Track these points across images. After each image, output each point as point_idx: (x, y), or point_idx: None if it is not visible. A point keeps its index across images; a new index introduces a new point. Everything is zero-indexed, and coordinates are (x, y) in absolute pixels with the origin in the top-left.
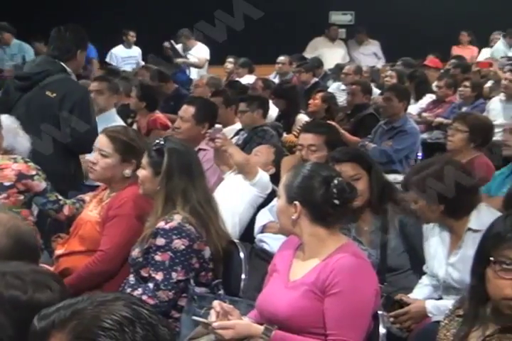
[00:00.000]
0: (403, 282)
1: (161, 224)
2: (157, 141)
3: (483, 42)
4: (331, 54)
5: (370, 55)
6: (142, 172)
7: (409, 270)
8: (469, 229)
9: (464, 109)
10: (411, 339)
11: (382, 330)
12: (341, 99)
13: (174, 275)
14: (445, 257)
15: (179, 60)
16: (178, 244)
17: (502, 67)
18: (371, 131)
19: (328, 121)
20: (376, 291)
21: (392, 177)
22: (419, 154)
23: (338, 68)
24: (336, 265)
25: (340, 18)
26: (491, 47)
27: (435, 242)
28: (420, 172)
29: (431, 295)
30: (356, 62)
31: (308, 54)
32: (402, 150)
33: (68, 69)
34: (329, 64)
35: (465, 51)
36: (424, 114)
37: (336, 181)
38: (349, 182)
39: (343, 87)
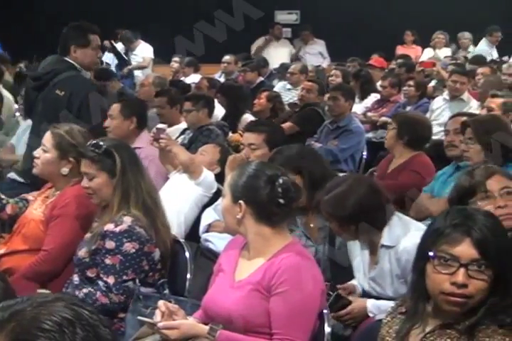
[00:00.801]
0: (350, 277)
1: (111, 226)
2: (95, 145)
3: (426, 42)
4: (276, 53)
5: (316, 54)
6: (96, 181)
7: None
8: (383, 246)
9: (408, 108)
10: (354, 339)
11: (327, 329)
12: (287, 98)
13: (125, 278)
14: (366, 272)
15: (125, 70)
16: (129, 247)
17: (445, 67)
18: (313, 126)
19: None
20: (322, 290)
21: None
22: (364, 153)
23: (284, 67)
24: (281, 264)
25: (286, 17)
26: (433, 47)
27: (358, 256)
28: (329, 193)
29: None
30: (302, 61)
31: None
32: (348, 150)
33: (78, 66)
34: (274, 63)
35: (409, 51)
36: (369, 114)
37: (280, 180)
38: (294, 181)
39: (288, 86)
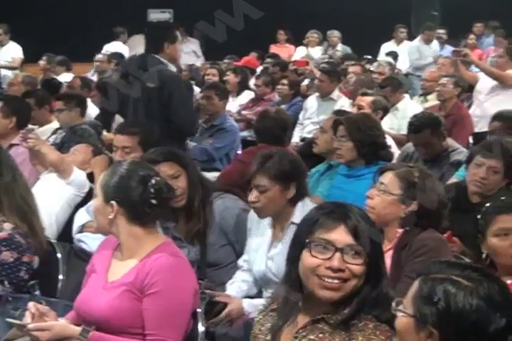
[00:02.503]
0: (224, 277)
1: None
2: None
3: (298, 40)
4: None
5: (190, 53)
6: None
7: (230, 264)
8: (292, 223)
9: (282, 106)
10: (229, 336)
11: (201, 328)
12: None
13: None
14: (266, 251)
15: None
16: (7, 256)
17: (318, 66)
18: None
19: None
20: (195, 290)
21: (211, 176)
22: (239, 152)
23: None
24: (153, 265)
25: (159, 16)
26: (306, 45)
27: (258, 236)
28: (263, 165)
29: (248, 290)
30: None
31: (128, 52)
32: (223, 148)
33: (164, 60)
34: None
35: (282, 50)
36: (244, 112)
37: (153, 181)
38: (167, 182)
39: None
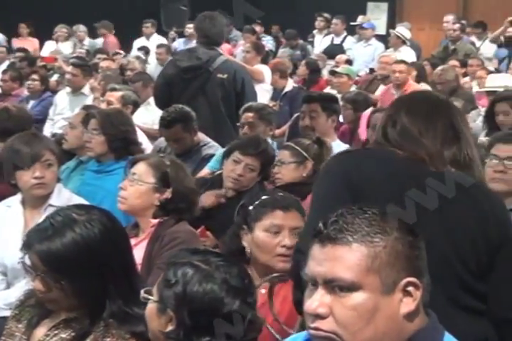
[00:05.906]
0: None
1: None
2: None
3: (45, 34)
4: None
5: None
6: None
7: None
8: (50, 205)
9: (31, 102)
10: None
11: None
12: None
13: None
14: (20, 239)
15: None
16: None
17: (66, 61)
18: None
19: None
20: None
21: None
22: None
23: None
24: None
25: None
26: (56, 40)
27: (5, 226)
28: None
29: None
30: None
31: None
32: None
33: (221, 51)
34: None
35: (26, 43)
36: None
37: None
38: None
39: None
